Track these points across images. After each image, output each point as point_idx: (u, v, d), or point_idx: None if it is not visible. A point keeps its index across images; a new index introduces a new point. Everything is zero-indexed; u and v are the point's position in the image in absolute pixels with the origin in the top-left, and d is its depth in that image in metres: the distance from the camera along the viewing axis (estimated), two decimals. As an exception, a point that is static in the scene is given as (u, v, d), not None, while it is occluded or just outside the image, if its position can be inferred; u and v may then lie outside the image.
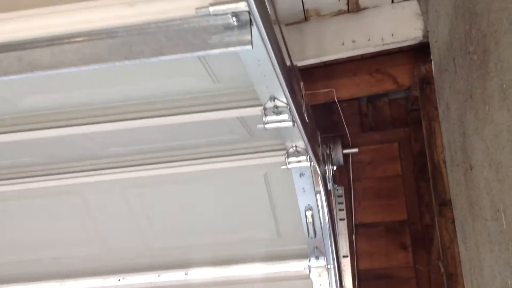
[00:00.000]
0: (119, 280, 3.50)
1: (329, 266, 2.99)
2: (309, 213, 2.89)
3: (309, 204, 2.87)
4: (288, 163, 2.47)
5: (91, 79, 2.09)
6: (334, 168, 3.25)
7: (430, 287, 3.15)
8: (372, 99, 3.54)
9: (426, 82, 2.94)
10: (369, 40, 3.13)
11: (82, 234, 3.46)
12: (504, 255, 1.80)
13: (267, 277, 3.20)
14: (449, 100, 2.53)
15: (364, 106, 3.57)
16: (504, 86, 1.68)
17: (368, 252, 3.27)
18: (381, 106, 3.58)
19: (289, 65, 2.12)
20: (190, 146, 3.03)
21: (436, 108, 2.84)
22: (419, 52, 3.13)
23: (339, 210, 3.32)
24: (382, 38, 3.08)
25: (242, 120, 2.58)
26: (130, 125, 2.36)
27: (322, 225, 3.02)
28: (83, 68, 1.40)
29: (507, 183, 1.70)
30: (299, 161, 2.48)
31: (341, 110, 3.38)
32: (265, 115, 1.90)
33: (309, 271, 2.99)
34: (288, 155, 2.46)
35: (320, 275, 3.00)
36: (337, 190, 3.36)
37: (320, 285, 2.99)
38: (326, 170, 3.17)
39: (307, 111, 2.48)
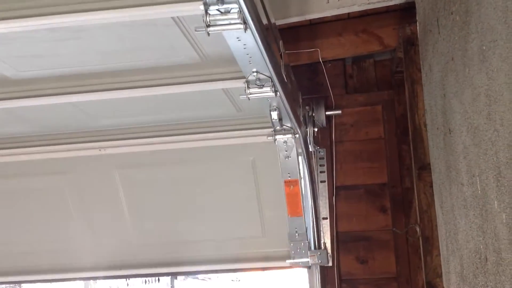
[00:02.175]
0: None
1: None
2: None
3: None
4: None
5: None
6: (316, 129, 3.21)
7: (407, 250, 3.16)
8: (358, 60, 3.48)
9: (411, 43, 2.87)
10: (355, -2, 3.04)
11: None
12: (478, 220, 1.78)
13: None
14: (432, 62, 2.48)
15: (349, 67, 3.50)
16: (484, 48, 1.63)
17: (347, 214, 3.26)
18: (366, 68, 3.51)
19: (266, 24, 2.05)
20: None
21: (419, 70, 2.79)
22: (405, 12, 3.06)
23: (320, 172, 3.29)
24: (368, -3, 3.00)
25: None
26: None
27: (303, 189, 3.02)
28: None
29: (483, 148, 1.67)
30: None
31: (325, 71, 3.32)
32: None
33: None
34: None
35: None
36: (319, 152, 3.32)
37: None
38: (307, 131, 3.14)
39: (286, 71, 2.42)
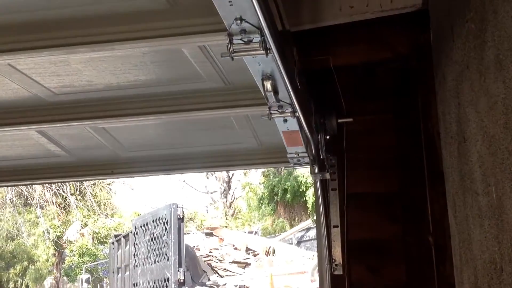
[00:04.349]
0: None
1: None
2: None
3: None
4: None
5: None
6: (327, 137, 3.19)
7: (419, 259, 3.12)
8: (370, 67, 3.46)
9: (424, 51, 2.86)
10: (367, 6, 3.03)
11: None
12: (493, 230, 1.76)
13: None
14: (445, 71, 2.47)
15: (360, 74, 3.49)
16: (501, 56, 1.61)
17: (358, 222, 3.24)
18: (378, 75, 3.49)
19: (281, 29, 2.05)
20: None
21: (432, 78, 2.78)
22: (419, 20, 3.04)
23: (331, 180, 3.27)
24: (380, 4, 2.99)
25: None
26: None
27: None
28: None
29: (499, 157, 1.65)
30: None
31: (337, 78, 3.30)
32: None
33: None
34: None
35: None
36: (330, 159, 3.30)
37: None
38: (319, 139, 3.12)
39: (299, 78, 2.42)
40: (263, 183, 27.55)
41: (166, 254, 7.78)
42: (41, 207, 25.37)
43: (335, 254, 3.12)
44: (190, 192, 48.03)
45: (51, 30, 2.05)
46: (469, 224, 2.10)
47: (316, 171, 3.02)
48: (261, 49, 1.69)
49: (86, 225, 28.00)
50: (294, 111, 2.33)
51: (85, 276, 21.05)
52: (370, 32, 3.28)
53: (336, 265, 3.09)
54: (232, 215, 33.00)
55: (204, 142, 3.36)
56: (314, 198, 22.95)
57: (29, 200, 25.18)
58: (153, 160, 3.44)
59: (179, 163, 3.54)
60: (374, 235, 3.19)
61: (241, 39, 1.67)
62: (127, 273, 9.47)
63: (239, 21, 1.63)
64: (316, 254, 10.48)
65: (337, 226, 3.19)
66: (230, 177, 32.79)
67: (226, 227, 24.32)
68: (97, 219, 27.95)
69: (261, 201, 26.24)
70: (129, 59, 2.39)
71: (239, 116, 3.02)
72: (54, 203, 25.84)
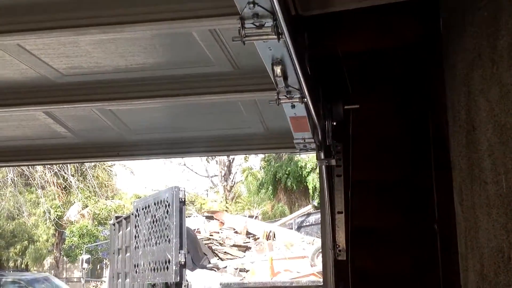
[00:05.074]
0: None
1: None
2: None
3: None
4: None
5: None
6: (334, 123, 3.19)
7: (424, 246, 3.14)
8: (377, 54, 3.44)
9: (433, 38, 2.85)
10: (376, -8, 3.00)
11: None
12: (502, 219, 1.77)
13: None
14: (455, 59, 2.45)
15: (368, 61, 3.47)
16: (515, 45, 1.61)
17: (363, 209, 3.25)
18: (385, 62, 3.48)
19: (294, 14, 2.04)
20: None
21: (441, 66, 2.76)
22: (429, 7, 3.02)
23: (337, 166, 3.27)
24: (390, -9, 2.96)
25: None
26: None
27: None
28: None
29: (510, 147, 1.65)
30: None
31: (345, 64, 3.29)
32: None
33: None
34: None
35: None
36: (336, 146, 3.30)
37: None
38: (325, 125, 3.12)
39: (309, 63, 2.41)
40: (263, 168, 27.60)
41: (167, 237, 7.81)
42: (42, 187, 25.43)
43: (339, 239, 3.13)
44: (191, 176, 48.12)
45: (62, 11, 2.04)
46: (476, 212, 2.10)
47: (322, 157, 3.03)
48: (273, 33, 1.68)
49: (87, 206, 28.10)
50: (302, 97, 2.32)
51: (85, 256, 21.17)
52: (379, 19, 3.26)
53: (339, 250, 3.11)
54: (232, 199, 33.09)
55: (211, 126, 3.36)
56: (313, 184, 22.88)
57: (30, 180, 25.24)
58: (159, 143, 3.44)
59: (184, 147, 3.54)
60: (378, 222, 3.20)
61: (253, 23, 1.66)
62: (128, 254, 9.52)
63: (251, 5, 1.62)
64: (316, 239, 10.53)
65: (341, 212, 3.20)
66: (231, 161, 32.83)
67: (226, 211, 24.40)
68: (98, 200, 28.04)
69: (261, 186, 26.30)
70: (139, 41, 2.38)
71: (247, 101, 3.02)
72: (55, 183, 25.91)
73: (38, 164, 16.25)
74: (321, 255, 9.17)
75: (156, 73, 2.69)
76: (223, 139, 3.49)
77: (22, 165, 16.45)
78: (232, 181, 33.88)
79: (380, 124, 3.33)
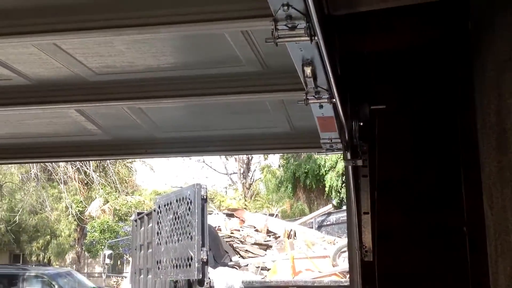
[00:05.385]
0: None
1: None
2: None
3: None
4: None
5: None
6: (361, 123, 3.20)
7: (452, 248, 3.13)
8: (403, 55, 3.44)
9: (462, 40, 2.84)
10: (404, -8, 3.00)
11: None
12: (534, 223, 1.77)
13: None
14: (485, 60, 2.45)
15: (395, 60, 3.47)
16: (551, 49, 1.60)
17: (389, 210, 3.25)
18: (413, 62, 3.48)
19: (327, 13, 2.06)
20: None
21: (470, 68, 2.75)
22: (458, 7, 3.01)
23: (363, 166, 3.28)
24: (418, -9, 2.95)
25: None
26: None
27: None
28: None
29: (544, 150, 1.65)
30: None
31: (372, 64, 3.30)
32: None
33: None
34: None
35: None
36: (362, 146, 3.31)
37: None
38: (352, 125, 3.13)
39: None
40: (282, 166, 27.58)
41: (189, 234, 7.87)
42: (65, 183, 25.76)
43: (365, 240, 3.14)
44: (209, 173, 48.30)
45: (100, 11, 2.09)
46: (507, 215, 2.10)
47: (349, 157, 3.04)
48: (306, 35, 1.70)
49: (107, 201, 28.39)
50: (331, 97, 2.34)
51: (107, 252, 21.38)
52: (404, 19, 3.25)
53: (366, 251, 3.12)
54: (251, 196, 33.15)
55: (238, 125, 3.40)
56: (331, 182, 22.77)
57: (53, 175, 25.59)
58: (187, 141, 3.50)
59: (211, 145, 3.59)
60: (405, 224, 3.20)
61: (285, 25, 1.68)
62: (150, 250, 9.62)
63: (285, 7, 1.65)
64: (337, 239, 10.48)
65: (367, 213, 3.20)
66: (250, 159, 32.88)
67: (245, 208, 24.48)
68: (118, 196, 28.31)
69: (280, 184, 26.28)
70: (171, 42, 2.43)
71: (274, 101, 3.05)
72: (77, 179, 26.22)
73: (67, 161, 16.49)
74: (342, 255, 9.16)
75: (186, 72, 2.74)
76: (249, 138, 3.53)
77: (51, 162, 16.70)
78: (251, 178, 33.93)
79: (406, 125, 3.33)
